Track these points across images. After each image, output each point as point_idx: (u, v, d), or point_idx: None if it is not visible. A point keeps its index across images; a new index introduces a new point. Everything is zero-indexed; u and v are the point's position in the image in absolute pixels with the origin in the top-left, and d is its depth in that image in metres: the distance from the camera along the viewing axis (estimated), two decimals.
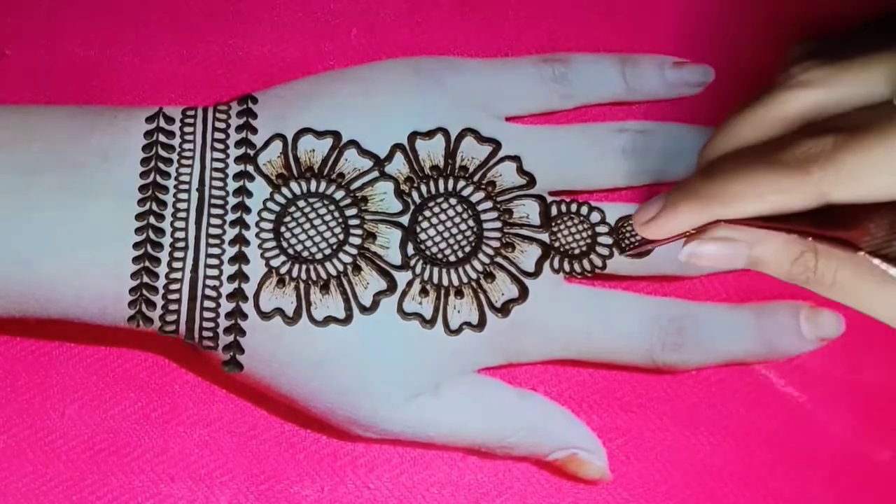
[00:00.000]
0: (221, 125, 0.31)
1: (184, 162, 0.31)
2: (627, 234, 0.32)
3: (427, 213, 0.31)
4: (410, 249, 0.31)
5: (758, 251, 0.27)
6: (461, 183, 0.32)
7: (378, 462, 0.34)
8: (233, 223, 0.30)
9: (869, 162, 0.24)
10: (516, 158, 0.32)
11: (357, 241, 0.31)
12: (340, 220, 0.31)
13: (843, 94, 0.26)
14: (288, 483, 0.33)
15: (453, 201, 0.31)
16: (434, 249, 0.31)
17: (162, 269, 0.29)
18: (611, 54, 0.35)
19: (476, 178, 0.32)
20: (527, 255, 0.31)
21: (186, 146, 0.31)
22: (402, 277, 0.30)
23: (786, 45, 0.32)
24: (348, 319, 0.30)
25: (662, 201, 0.28)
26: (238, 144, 0.31)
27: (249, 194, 0.30)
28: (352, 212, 0.31)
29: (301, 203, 0.31)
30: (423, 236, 0.31)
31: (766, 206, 0.25)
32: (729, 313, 0.33)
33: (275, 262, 0.30)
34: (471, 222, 0.31)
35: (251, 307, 0.30)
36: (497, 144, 0.32)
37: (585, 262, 0.32)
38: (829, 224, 0.26)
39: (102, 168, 0.30)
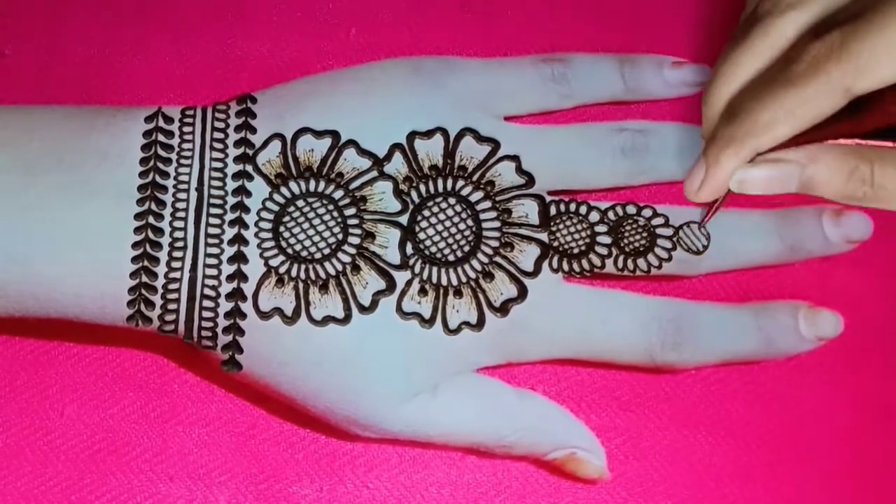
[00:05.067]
0: (220, 125, 0.31)
1: (183, 162, 0.31)
2: (626, 234, 0.32)
3: (426, 213, 0.31)
4: (409, 249, 0.31)
5: (810, 170, 0.27)
6: (460, 182, 0.32)
7: (377, 462, 0.34)
8: (232, 223, 0.30)
9: (883, 43, 0.23)
10: (515, 158, 0.32)
11: (356, 240, 0.30)
12: (339, 220, 0.31)
13: (834, 1, 0.26)
14: (287, 483, 0.33)
15: (452, 201, 0.31)
16: (433, 249, 0.31)
17: (161, 269, 0.29)
18: (610, 54, 0.35)
19: (475, 178, 0.32)
20: (526, 255, 0.31)
21: (185, 146, 0.31)
22: (400, 277, 0.30)
23: None
24: (347, 319, 0.30)
25: (703, 163, 0.28)
26: (237, 144, 0.31)
27: (248, 194, 0.30)
28: (351, 211, 0.31)
29: (300, 203, 0.31)
30: (421, 236, 0.31)
31: (798, 120, 0.25)
32: (728, 313, 0.33)
33: (274, 262, 0.30)
34: (470, 222, 0.31)
35: (250, 307, 0.30)
36: (496, 144, 0.32)
37: (584, 262, 0.32)
38: (868, 121, 0.26)
39: (101, 168, 0.30)
